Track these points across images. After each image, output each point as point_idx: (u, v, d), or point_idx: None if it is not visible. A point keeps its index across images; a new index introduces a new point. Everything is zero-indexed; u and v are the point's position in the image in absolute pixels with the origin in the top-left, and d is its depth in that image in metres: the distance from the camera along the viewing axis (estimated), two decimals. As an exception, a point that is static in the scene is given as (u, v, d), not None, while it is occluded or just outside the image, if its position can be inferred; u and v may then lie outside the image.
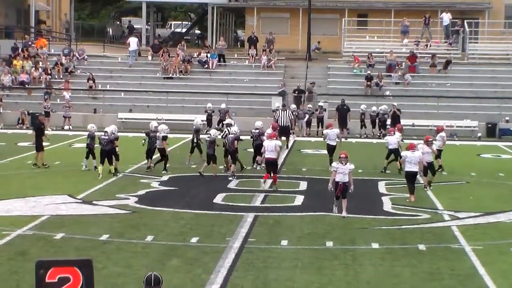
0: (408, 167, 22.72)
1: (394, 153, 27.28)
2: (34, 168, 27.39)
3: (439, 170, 27.45)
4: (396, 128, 28.89)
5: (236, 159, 26.74)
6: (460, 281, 14.70)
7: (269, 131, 26.87)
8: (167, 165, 27.24)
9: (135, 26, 64.61)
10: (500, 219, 20.58)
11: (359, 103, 43.28)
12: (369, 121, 40.02)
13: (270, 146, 24.29)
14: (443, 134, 28.12)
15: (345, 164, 20.05)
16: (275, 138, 24.97)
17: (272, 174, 24.42)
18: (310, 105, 41.40)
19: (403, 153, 23.21)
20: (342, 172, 20.00)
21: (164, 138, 27.22)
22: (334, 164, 20.28)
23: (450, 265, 15.70)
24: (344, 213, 20.21)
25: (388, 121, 39.60)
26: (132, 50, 48.75)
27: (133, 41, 49.30)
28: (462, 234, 18.47)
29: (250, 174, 27.10)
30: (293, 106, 39.17)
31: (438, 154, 27.39)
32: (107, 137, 26.04)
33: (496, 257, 16.50)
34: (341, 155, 20.28)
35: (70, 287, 9.06)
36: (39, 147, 27.83)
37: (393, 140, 27.40)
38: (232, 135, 26.48)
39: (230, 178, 25.96)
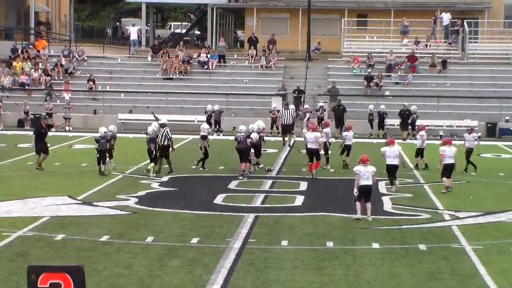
0: (388, 161, 23.47)
1: (348, 150, 28.59)
2: (35, 170, 27.37)
3: (426, 168, 28.39)
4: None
5: (248, 158, 26.64)
6: (461, 281, 14.69)
7: (305, 130, 28.74)
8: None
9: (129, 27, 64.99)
10: (501, 218, 20.58)
11: (358, 103, 43.44)
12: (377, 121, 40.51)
13: (311, 138, 26.54)
14: (422, 133, 28.75)
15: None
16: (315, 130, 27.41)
17: (315, 162, 26.59)
18: (307, 106, 41.47)
19: (382, 149, 23.99)
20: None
21: (203, 137, 27.68)
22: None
23: (451, 265, 15.69)
24: (360, 215, 19.87)
25: (391, 121, 40.14)
26: (133, 39, 49.45)
27: (133, 31, 50.07)
28: (463, 234, 18.47)
29: (250, 174, 27.09)
30: (292, 106, 39.14)
31: (421, 152, 28.51)
32: (149, 136, 26.46)
33: (497, 256, 16.49)
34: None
35: None
36: (43, 150, 27.48)
37: (351, 136, 28.92)
38: (243, 134, 26.50)
39: (241, 178, 25.95)
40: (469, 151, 28.36)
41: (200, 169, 27.87)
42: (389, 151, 23.73)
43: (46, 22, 62.24)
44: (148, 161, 27.20)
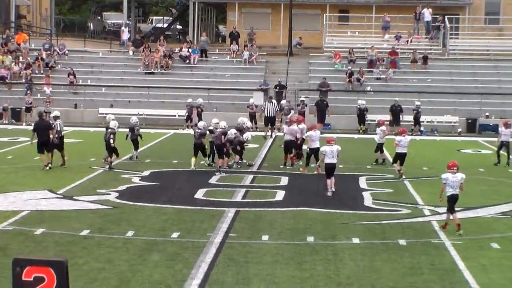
0: (327, 160, 22.89)
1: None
2: (16, 163, 27.26)
3: (382, 163, 28.86)
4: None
5: (224, 154, 26.64)
6: (440, 275, 14.77)
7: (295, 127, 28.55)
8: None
9: (114, 22, 65.28)
10: (480, 214, 20.67)
11: (340, 98, 43.52)
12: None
13: (289, 129, 28.07)
14: (383, 127, 29.03)
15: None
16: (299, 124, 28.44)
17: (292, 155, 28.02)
18: (289, 101, 41.54)
19: (322, 148, 23.49)
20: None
21: (211, 131, 27.47)
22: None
23: (430, 260, 15.76)
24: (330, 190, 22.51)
25: (373, 117, 40.41)
26: (125, 40, 50.52)
27: (125, 32, 50.72)
28: (442, 229, 18.54)
29: (232, 169, 27.09)
30: (275, 101, 39.38)
31: (380, 147, 28.74)
32: (199, 131, 26.76)
33: (476, 252, 16.59)
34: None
35: (44, 287, 9.06)
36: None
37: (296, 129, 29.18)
38: (220, 130, 26.53)
39: (217, 173, 25.95)
40: (504, 145, 29.26)
41: (207, 164, 27.66)
42: (329, 150, 23.06)
43: (24, 16, 62.05)
44: (194, 156, 27.07)
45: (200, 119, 39.53)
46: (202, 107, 40.36)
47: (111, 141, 26.41)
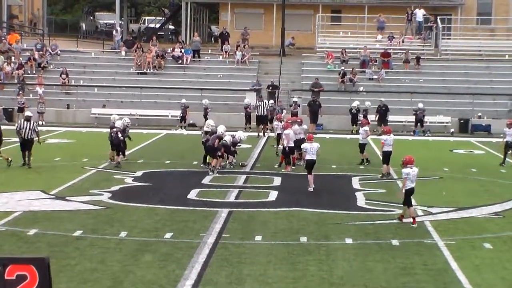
0: (308, 157, 23.58)
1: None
2: (6, 164, 27.20)
3: (366, 163, 28.74)
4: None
5: (216, 155, 26.62)
6: (433, 276, 14.78)
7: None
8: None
9: (106, 22, 65.41)
10: (472, 214, 20.71)
11: (332, 99, 43.56)
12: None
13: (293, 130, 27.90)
14: (366, 128, 29.03)
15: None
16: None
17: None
18: (278, 100, 41.51)
19: (303, 146, 24.43)
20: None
21: (207, 133, 27.40)
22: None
23: (423, 260, 15.78)
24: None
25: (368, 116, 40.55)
26: (118, 40, 50.54)
27: (118, 34, 50.74)
28: (435, 229, 18.58)
29: (225, 170, 27.09)
30: (266, 101, 39.44)
31: (362, 147, 28.88)
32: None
33: (468, 252, 16.62)
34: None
35: (27, 285, 9.04)
36: None
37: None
38: (215, 135, 26.54)
39: (210, 173, 25.93)
40: (509, 145, 29.27)
41: (202, 165, 27.53)
42: (310, 147, 23.57)
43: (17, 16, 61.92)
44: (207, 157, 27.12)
45: (206, 120, 39.57)
46: (209, 108, 40.30)
47: (120, 136, 26.84)
